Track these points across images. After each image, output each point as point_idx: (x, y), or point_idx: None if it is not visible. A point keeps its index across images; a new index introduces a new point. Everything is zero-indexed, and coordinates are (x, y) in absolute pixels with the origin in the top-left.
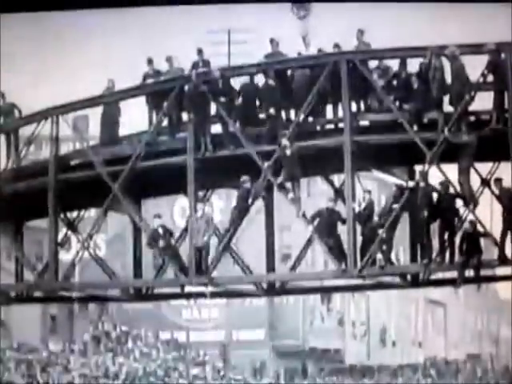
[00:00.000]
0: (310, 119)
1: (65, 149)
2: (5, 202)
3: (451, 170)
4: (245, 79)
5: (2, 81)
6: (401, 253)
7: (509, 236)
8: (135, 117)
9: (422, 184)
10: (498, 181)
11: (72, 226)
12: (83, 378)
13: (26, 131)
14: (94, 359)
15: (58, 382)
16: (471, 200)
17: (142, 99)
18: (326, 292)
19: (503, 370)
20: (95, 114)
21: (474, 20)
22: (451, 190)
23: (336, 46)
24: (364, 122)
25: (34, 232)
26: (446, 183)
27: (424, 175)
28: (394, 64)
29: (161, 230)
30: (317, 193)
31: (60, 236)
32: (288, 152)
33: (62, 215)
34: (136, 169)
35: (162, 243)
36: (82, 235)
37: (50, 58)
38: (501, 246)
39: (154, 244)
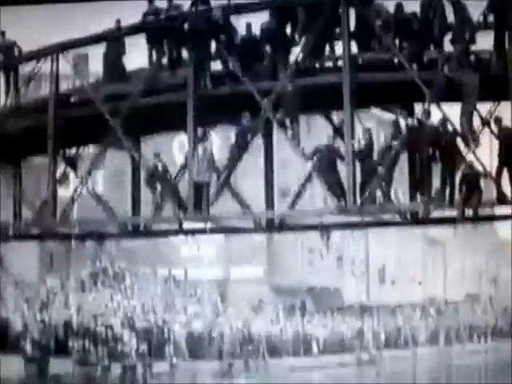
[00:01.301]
0: (310, 57)
1: (64, 87)
2: (3, 139)
3: (453, 110)
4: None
5: None
6: (400, 192)
7: (508, 177)
8: (135, 61)
9: (422, 122)
10: (498, 120)
11: (71, 162)
12: (81, 316)
13: (25, 69)
14: (91, 296)
15: (56, 319)
16: (472, 140)
17: (141, 43)
18: (325, 229)
19: (502, 310)
20: (95, 56)
21: None
22: (452, 130)
23: None
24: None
25: (32, 169)
26: (445, 122)
27: (425, 113)
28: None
29: (160, 168)
30: (316, 130)
31: (59, 173)
32: (288, 88)
33: (61, 152)
34: (135, 106)
35: (160, 181)
36: (80, 172)
37: None
38: (499, 186)
39: (152, 182)
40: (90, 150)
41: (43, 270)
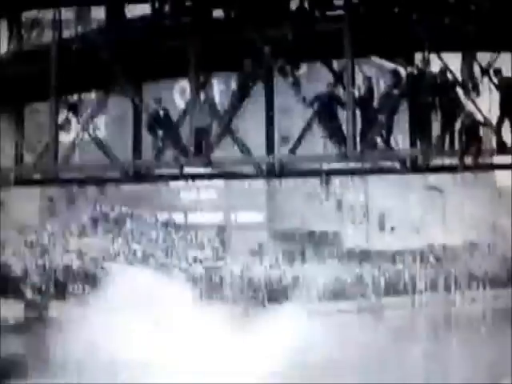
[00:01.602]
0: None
1: (67, 34)
2: (6, 85)
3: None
4: None
5: None
6: (400, 140)
7: (508, 126)
8: (137, 8)
9: (421, 71)
10: (498, 71)
11: (73, 108)
12: (82, 260)
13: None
14: (91, 241)
15: (57, 264)
16: (472, 89)
17: None
18: (325, 175)
19: (500, 258)
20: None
21: None
22: (451, 79)
23: None
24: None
25: (34, 115)
26: (445, 71)
27: (424, 62)
28: None
29: (161, 113)
30: (316, 77)
31: (60, 118)
32: (289, 37)
33: (63, 98)
34: (137, 51)
35: (161, 127)
36: (82, 118)
37: None
38: (499, 135)
39: (153, 128)
40: (91, 96)
41: (44, 214)
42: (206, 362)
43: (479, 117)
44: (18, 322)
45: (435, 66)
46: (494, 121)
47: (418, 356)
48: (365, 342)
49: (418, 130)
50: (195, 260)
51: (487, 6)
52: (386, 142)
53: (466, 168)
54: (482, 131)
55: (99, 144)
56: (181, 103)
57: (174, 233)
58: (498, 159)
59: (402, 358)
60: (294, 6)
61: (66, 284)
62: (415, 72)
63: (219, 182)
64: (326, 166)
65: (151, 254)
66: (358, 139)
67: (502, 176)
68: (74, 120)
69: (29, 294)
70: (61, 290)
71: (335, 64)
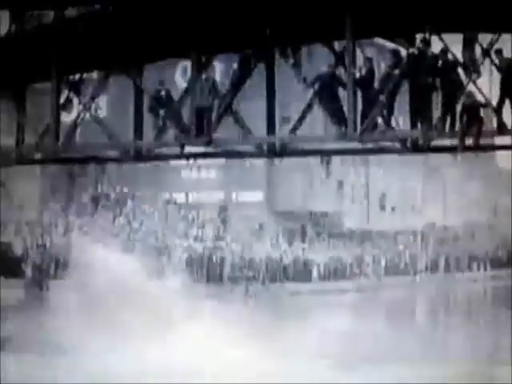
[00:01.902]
0: None
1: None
2: (8, 64)
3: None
4: None
5: None
6: (401, 120)
7: (508, 107)
8: None
9: (422, 51)
10: (499, 51)
11: (74, 88)
12: (83, 239)
13: None
14: (93, 220)
15: (57, 244)
16: (473, 70)
17: None
18: (326, 155)
19: (501, 238)
20: None
21: None
22: (452, 59)
23: None
24: None
25: (35, 94)
26: (445, 51)
27: (424, 42)
28: None
29: (163, 93)
30: (317, 58)
31: (62, 98)
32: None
33: (64, 78)
34: (139, 31)
35: (163, 106)
36: (83, 97)
37: None
38: (500, 116)
39: (155, 107)
40: (93, 76)
41: (45, 194)
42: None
43: (480, 97)
44: (19, 301)
45: (436, 47)
46: (495, 102)
47: (416, 332)
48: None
49: (419, 110)
50: (196, 239)
51: None
52: (387, 122)
53: (467, 148)
54: (482, 112)
55: (101, 124)
56: (182, 83)
57: (174, 212)
58: (499, 140)
59: (400, 333)
60: None
61: (66, 264)
62: (416, 53)
63: (220, 162)
64: (326, 147)
65: (151, 233)
66: (358, 120)
67: (502, 157)
68: (75, 100)
69: (29, 273)
70: (62, 270)
71: (336, 45)
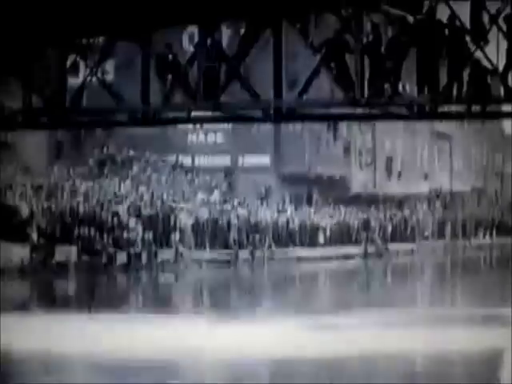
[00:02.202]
0: None
1: None
2: (14, 29)
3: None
4: None
5: None
6: (408, 86)
7: None
8: None
9: (429, 18)
10: (507, 18)
11: (81, 52)
12: (88, 203)
13: None
14: (98, 184)
15: (62, 207)
16: (480, 37)
17: None
18: (333, 120)
19: (507, 204)
20: None
21: None
22: (460, 27)
23: None
24: None
25: (42, 58)
26: (453, 18)
27: (431, 9)
28: None
29: (170, 58)
30: (324, 24)
31: (69, 62)
32: None
33: (71, 42)
34: None
35: (170, 71)
36: (91, 61)
37: None
38: (506, 83)
39: (162, 72)
40: (100, 40)
41: (51, 157)
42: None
43: (487, 64)
44: (24, 265)
45: (443, 14)
46: (502, 68)
47: (421, 293)
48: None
49: (426, 77)
50: (202, 203)
51: None
52: (394, 88)
53: (474, 115)
54: (489, 79)
55: (107, 88)
56: (189, 48)
57: (180, 176)
58: (505, 107)
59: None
60: None
61: (72, 228)
62: (423, 20)
63: (227, 126)
64: (333, 111)
65: (158, 197)
66: (365, 85)
67: (508, 123)
68: (82, 64)
69: (35, 237)
70: (67, 234)
71: (343, 11)
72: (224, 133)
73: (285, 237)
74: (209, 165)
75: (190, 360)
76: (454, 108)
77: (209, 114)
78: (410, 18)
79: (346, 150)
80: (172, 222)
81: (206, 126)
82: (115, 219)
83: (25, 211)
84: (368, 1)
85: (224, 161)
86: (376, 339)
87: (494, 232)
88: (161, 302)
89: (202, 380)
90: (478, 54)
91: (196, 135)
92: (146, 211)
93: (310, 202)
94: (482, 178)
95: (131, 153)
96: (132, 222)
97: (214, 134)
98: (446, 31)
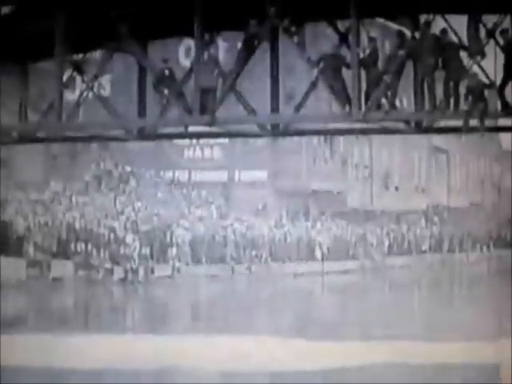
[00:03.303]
0: None
1: None
2: (10, 42)
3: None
4: None
5: None
6: (405, 101)
7: None
8: None
9: (425, 32)
10: (504, 32)
11: (78, 66)
12: (84, 218)
13: None
14: (95, 199)
15: (59, 222)
16: (477, 51)
17: None
18: (330, 135)
19: (505, 218)
20: None
21: None
22: (457, 41)
23: None
24: None
25: (38, 73)
26: (447, 32)
27: (427, 24)
28: None
29: (166, 72)
30: (321, 38)
31: (65, 77)
32: None
33: (67, 56)
34: (142, 9)
35: (166, 85)
36: (87, 76)
37: None
38: (503, 97)
39: (159, 87)
40: (97, 55)
41: (47, 172)
42: None
43: (484, 78)
44: (21, 281)
45: (440, 28)
46: (499, 82)
47: (419, 309)
48: (368, 298)
49: (423, 91)
50: (199, 219)
51: None
52: (391, 102)
53: (471, 129)
54: (486, 93)
55: (104, 102)
56: (186, 62)
57: (177, 191)
58: (503, 121)
59: (404, 309)
60: None
61: (68, 243)
62: (420, 33)
63: (223, 141)
64: (330, 126)
65: (154, 212)
66: (362, 99)
67: (506, 138)
68: (78, 78)
69: (31, 252)
70: (63, 249)
71: (340, 25)
72: (221, 148)
73: (281, 252)
74: (205, 180)
75: (187, 373)
76: (451, 122)
77: (205, 128)
78: (407, 32)
79: (343, 164)
80: (168, 238)
81: (203, 141)
82: (112, 234)
83: (21, 226)
84: (365, 13)
85: (221, 176)
86: (374, 351)
87: (492, 246)
88: (157, 316)
89: None
90: (475, 68)
91: (192, 150)
92: (142, 226)
93: (307, 216)
94: (479, 191)
95: (127, 168)
96: (129, 238)
97: (210, 149)
98: (443, 45)
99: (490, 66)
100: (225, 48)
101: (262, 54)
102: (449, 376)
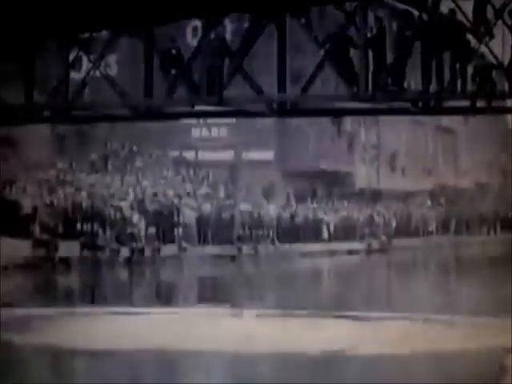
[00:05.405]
0: None
1: None
2: (17, 23)
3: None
4: None
5: None
6: (412, 81)
7: None
8: None
9: (433, 12)
10: None
11: (84, 46)
12: (91, 198)
13: None
14: (102, 178)
15: (65, 202)
16: (485, 32)
17: None
18: (337, 115)
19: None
20: None
21: None
22: (465, 21)
23: None
24: None
25: (45, 53)
26: (456, 12)
27: (437, 3)
28: None
29: (174, 52)
30: (328, 18)
31: (71, 56)
32: None
33: (73, 36)
34: None
35: (174, 65)
36: (93, 56)
37: None
38: (510, 78)
39: (166, 66)
40: (103, 34)
41: (54, 152)
42: None
43: (492, 59)
44: (27, 261)
45: (448, 8)
46: (507, 63)
47: (424, 290)
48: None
49: (431, 71)
50: (206, 197)
51: None
52: (398, 83)
53: (478, 110)
54: (494, 74)
55: (110, 82)
56: (193, 42)
57: (184, 170)
58: (510, 102)
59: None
60: None
61: (75, 223)
62: (427, 14)
63: (230, 120)
64: (337, 106)
65: (161, 191)
66: (370, 80)
67: None
68: (84, 58)
69: (37, 232)
70: (70, 229)
71: (347, 5)
72: (227, 127)
73: (288, 232)
74: (212, 159)
75: (194, 353)
76: (458, 103)
77: (212, 108)
78: (415, 13)
79: (350, 145)
80: (175, 217)
81: (210, 120)
82: (118, 214)
83: (27, 207)
84: None
85: (227, 156)
86: (379, 335)
87: (498, 227)
88: (164, 296)
89: (206, 372)
90: (483, 48)
91: (199, 130)
92: (149, 206)
93: (313, 197)
94: (486, 173)
95: (134, 148)
96: (135, 218)
97: (217, 128)
98: (451, 26)
99: (498, 46)
100: (232, 28)
101: (269, 34)
102: (451, 363)
